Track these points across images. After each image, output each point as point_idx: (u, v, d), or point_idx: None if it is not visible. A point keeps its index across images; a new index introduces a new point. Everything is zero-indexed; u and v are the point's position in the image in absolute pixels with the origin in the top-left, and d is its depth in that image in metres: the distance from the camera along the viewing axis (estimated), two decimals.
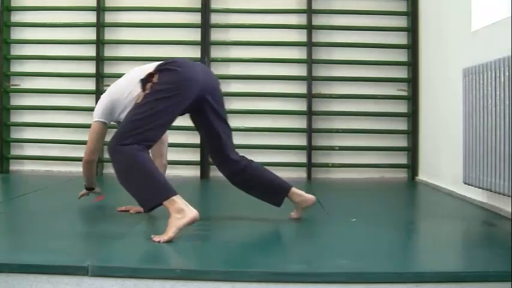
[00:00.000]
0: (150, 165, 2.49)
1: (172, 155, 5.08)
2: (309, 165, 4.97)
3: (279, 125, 5.04)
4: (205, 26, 5.01)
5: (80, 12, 5.09)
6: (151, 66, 2.79)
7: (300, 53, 5.06)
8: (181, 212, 2.37)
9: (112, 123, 3.13)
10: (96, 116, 3.05)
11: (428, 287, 1.94)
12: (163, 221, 2.91)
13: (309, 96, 4.96)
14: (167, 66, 2.65)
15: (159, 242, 2.36)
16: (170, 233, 2.36)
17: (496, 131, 2.97)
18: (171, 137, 5.26)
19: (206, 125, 2.79)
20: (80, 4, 5.09)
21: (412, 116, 4.92)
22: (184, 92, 2.58)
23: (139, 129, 2.49)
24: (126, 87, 2.93)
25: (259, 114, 5.04)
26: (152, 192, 2.44)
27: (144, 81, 2.69)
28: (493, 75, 3.00)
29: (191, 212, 2.39)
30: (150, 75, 2.68)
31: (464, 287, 1.94)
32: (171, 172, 5.06)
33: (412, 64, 4.92)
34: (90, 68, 5.05)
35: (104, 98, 3.04)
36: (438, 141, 4.33)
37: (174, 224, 2.37)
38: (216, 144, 2.82)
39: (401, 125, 5.04)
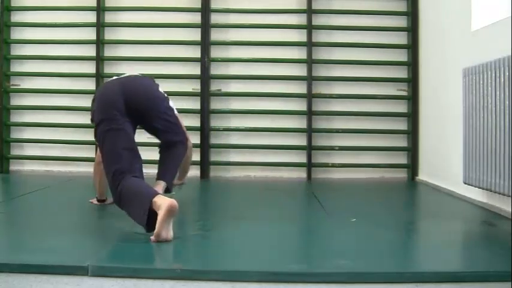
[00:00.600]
0: (132, 185, 2.59)
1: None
2: (309, 165, 4.97)
3: (279, 125, 5.04)
4: (205, 26, 5.01)
5: (80, 12, 5.09)
6: None
7: (300, 53, 5.05)
8: (160, 207, 2.39)
9: None
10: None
11: (428, 287, 1.94)
12: None
13: (309, 96, 4.96)
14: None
15: (153, 240, 2.38)
16: (156, 229, 2.38)
17: (496, 131, 2.97)
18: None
19: (145, 127, 3.10)
20: (80, 4, 5.08)
21: (412, 116, 4.92)
22: (106, 115, 2.78)
23: (110, 168, 2.65)
24: None
25: (259, 114, 5.04)
26: (140, 208, 2.48)
27: None
28: (493, 75, 3.00)
29: (165, 203, 2.39)
30: None
31: (464, 287, 1.94)
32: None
33: (412, 64, 4.92)
34: (90, 68, 5.05)
35: None
36: (438, 141, 4.33)
37: (157, 221, 2.39)
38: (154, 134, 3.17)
39: (401, 125, 5.04)
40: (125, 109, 2.79)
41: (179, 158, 3.19)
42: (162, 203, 2.39)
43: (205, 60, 4.98)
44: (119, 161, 2.64)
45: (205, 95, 4.99)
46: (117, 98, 2.80)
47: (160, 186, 3.03)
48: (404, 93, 5.01)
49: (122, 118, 2.76)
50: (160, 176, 3.11)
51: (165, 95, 3.19)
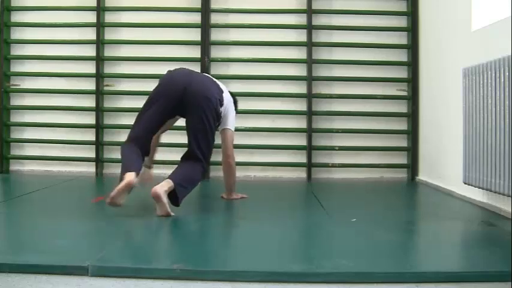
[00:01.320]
0: (124, 153, 3.11)
1: (173, 155, 5.08)
2: (309, 165, 4.97)
3: (279, 125, 5.04)
4: (205, 26, 5.01)
5: (80, 12, 5.09)
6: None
7: (300, 53, 5.06)
8: (123, 179, 2.87)
9: None
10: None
11: (428, 287, 1.94)
12: (164, 221, 2.92)
13: (309, 96, 4.96)
14: None
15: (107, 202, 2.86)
16: (112, 193, 2.84)
17: (496, 131, 2.97)
18: (171, 137, 5.29)
19: (187, 124, 3.28)
20: (80, 4, 5.08)
21: (412, 116, 4.92)
22: (156, 97, 3.24)
23: (129, 133, 3.24)
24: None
25: (259, 114, 5.04)
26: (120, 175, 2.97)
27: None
28: (493, 75, 3.00)
29: (127, 177, 2.85)
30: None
31: (464, 287, 1.94)
32: (171, 172, 5.08)
33: (412, 64, 4.92)
34: (90, 68, 5.05)
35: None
36: (438, 141, 4.33)
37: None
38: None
39: (401, 125, 5.04)
40: (179, 97, 3.16)
41: (196, 175, 3.21)
42: (127, 177, 2.86)
43: (205, 60, 4.98)
44: (134, 131, 3.19)
45: None
46: (177, 87, 3.18)
47: (167, 184, 2.97)
48: (404, 93, 5.01)
49: (167, 105, 3.17)
50: (172, 177, 3.06)
51: (221, 113, 3.41)
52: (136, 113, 5.02)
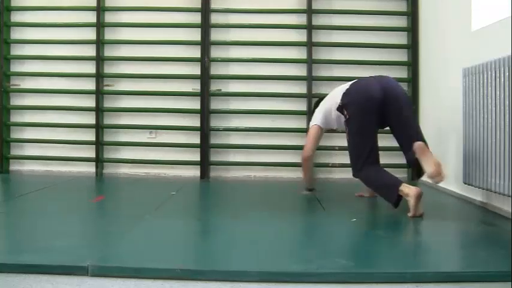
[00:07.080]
0: (379, 173, 3.41)
1: (172, 154, 5.10)
2: None
3: (279, 125, 5.04)
4: (205, 26, 5.01)
5: (80, 12, 5.09)
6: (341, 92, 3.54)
7: (300, 53, 5.05)
8: (407, 194, 3.11)
9: None
10: (315, 121, 3.80)
11: (428, 287, 1.94)
12: (163, 221, 2.92)
13: (309, 96, 4.96)
14: (347, 100, 3.46)
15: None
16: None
17: (496, 131, 2.97)
18: (172, 136, 5.27)
19: (392, 127, 3.57)
20: (80, 4, 5.08)
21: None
22: (366, 112, 3.40)
23: (357, 156, 3.49)
24: (330, 106, 3.67)
25: (259, 114, 5.04)
26: (388, 190, 3.26)
27: (340, 109, 3.55)
28: (493, 75, 3.00)
29: (412, 190, 3.11)
30: (341, 108, 3.53)
31: (464, 287, 1.94)
32: (171, 172, 5.09)
33: (412, 64, 4.92)
34: (90, 68, 5.05)
35: (320, 107, 3.80)
36: (438, 141, 4.33)
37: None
38: (398, 140, 3.65)
39: None
40: (381, 105, 3.34)
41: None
42: (412, 190, 3.18)
43: (205, 60, 4.99)
44: (361, 148, 3.49)
45: (205, 95, 4.99)
46: (375, 95, 3.34)
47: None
48: None
49: (372, 115, 3.38)
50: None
51: None
52: (136, 113, 5.06)
